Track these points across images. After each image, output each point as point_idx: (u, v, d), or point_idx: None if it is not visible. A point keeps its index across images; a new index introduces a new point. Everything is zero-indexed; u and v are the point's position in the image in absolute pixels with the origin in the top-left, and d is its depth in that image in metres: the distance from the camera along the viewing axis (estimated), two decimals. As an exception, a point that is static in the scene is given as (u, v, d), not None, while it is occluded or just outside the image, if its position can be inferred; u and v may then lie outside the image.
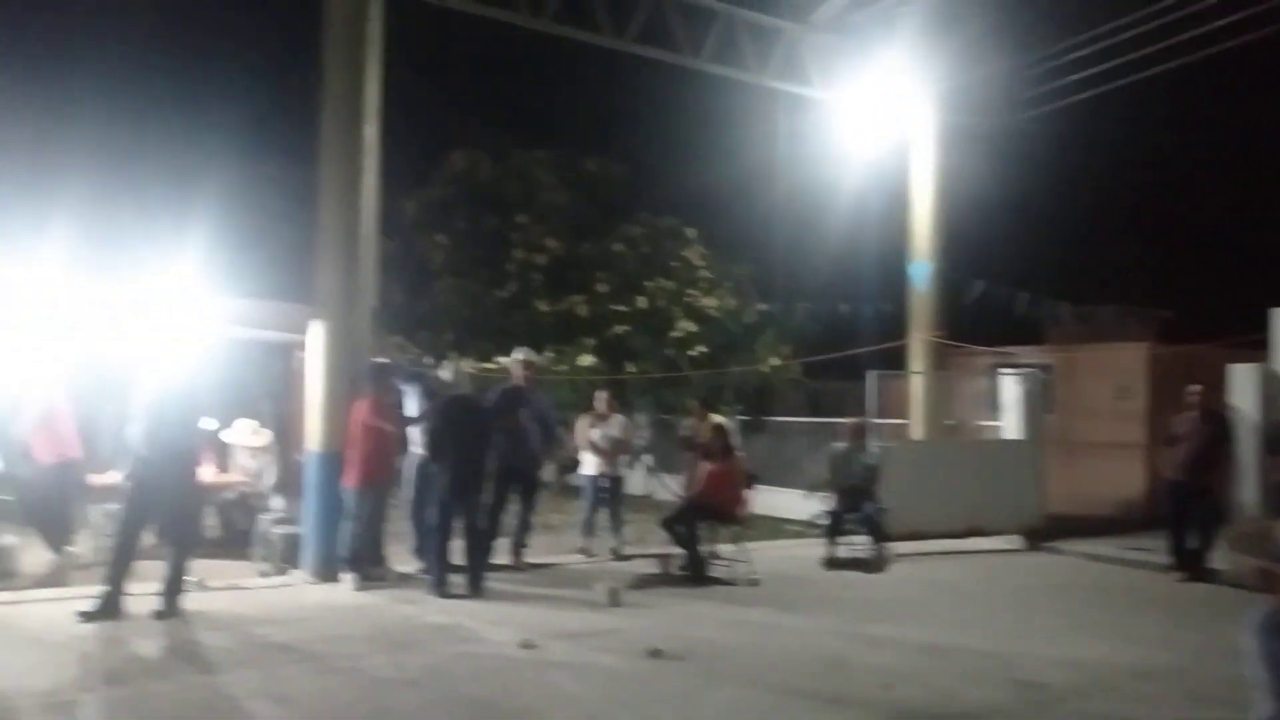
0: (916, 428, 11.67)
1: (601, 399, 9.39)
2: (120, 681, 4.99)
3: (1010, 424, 11.08)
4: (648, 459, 12.20)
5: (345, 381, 7.82)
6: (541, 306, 14.29)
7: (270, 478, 9.88)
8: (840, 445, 9.67)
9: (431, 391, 8.04)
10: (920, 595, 8.00)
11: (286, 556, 8.27)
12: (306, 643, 5.81)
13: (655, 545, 9.97)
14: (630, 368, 13.92)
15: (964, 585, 8.45)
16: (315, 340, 7.92)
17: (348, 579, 7.49)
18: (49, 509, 7.73)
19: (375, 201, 8.06)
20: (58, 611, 6.37)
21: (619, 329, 14.00)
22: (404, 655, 5.62)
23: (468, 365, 7.93)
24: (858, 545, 9.28)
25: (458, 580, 7.29)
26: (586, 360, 13.29)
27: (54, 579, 7.68)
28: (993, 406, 11.95)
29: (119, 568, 6.36)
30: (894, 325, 14.59)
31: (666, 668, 5.53)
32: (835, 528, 9.18)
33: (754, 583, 8.07)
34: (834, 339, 15.89)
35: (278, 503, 9.73)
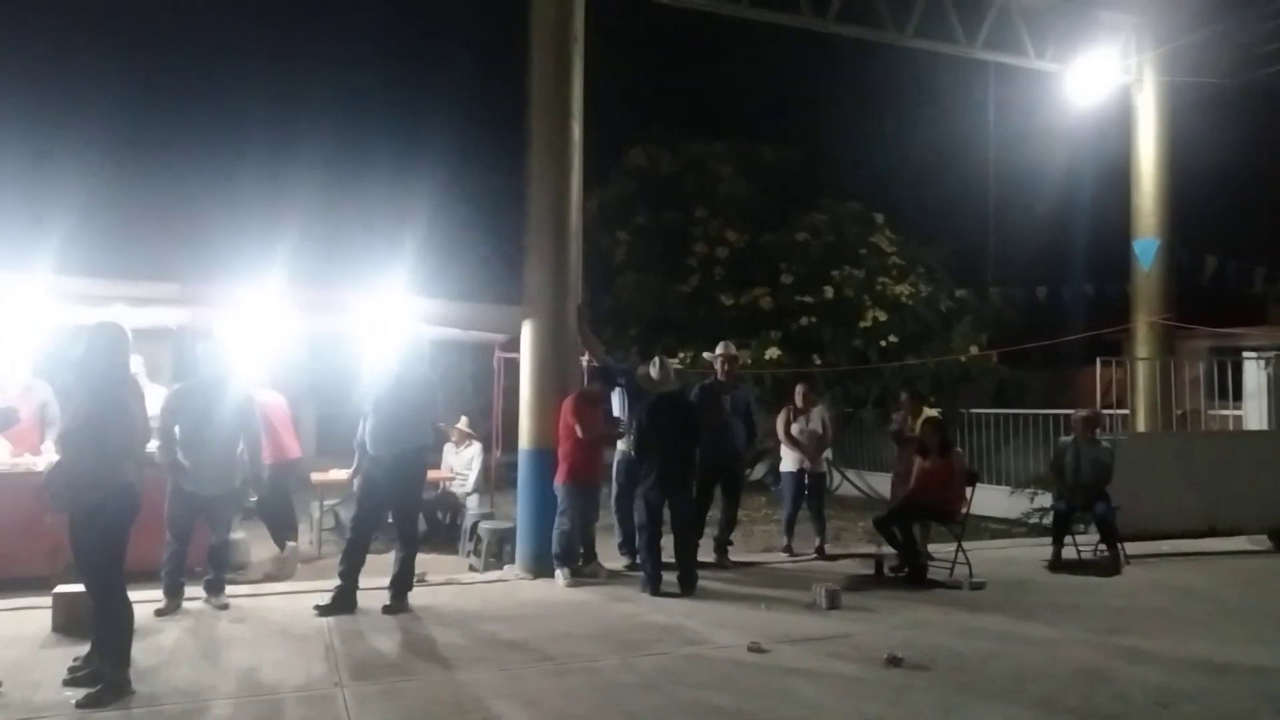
0: (1142, 418, 10.75)
1: (800, 392, 9.07)
2: (367, 677, 5.09)
3: (1253, 413, 10.04)
4: (827, 454, 11.79)
5: (555, 379, 7.85)
6: (725, 300, 14.06)
7: (473, 474, 10.16)
8: (1067, 439, 8.98)
9: (636, 389, 7.97)
10: (1167, 603, 7.28)
11: (494, 552, 8.43)
12: (535, 640, 5.80)
13: (853, 544, 9.61)
14: (817, 360, 13.50)
15: (1215, 591, 7.64)
16: (525, 339, 7.98)
17: (560, 575, 7.50)
18: (275, 505, 8.14)
19: (580, 199, 8.05)
20: (294, 605, 6.66)
21: (805, 320, 13.58)
22: (634, 657, 5.51)
23: (673, 362, 7.73)
24: (1084, 546, 8.63)
25: (669, 579, 7.19)
26: (773, 353, 12.96)
27: (280, 572, 8.10)
28: (1222, 393, 10.90)
29: (352, 564, 6.57)
30: (1103, 308, 13.57)
31: (911, 678, 5.19)
32: (1063, 527, 8.54)
33: (978, 586, 7.57)
34: (1032, 325, 14.98)
35: (475, 499, 10.01)
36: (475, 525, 9.11)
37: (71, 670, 4.97)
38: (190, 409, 6.44)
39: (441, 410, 6.71)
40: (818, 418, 8.95)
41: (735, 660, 5.50)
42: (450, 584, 7.45)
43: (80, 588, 5.83)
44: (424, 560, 7.75)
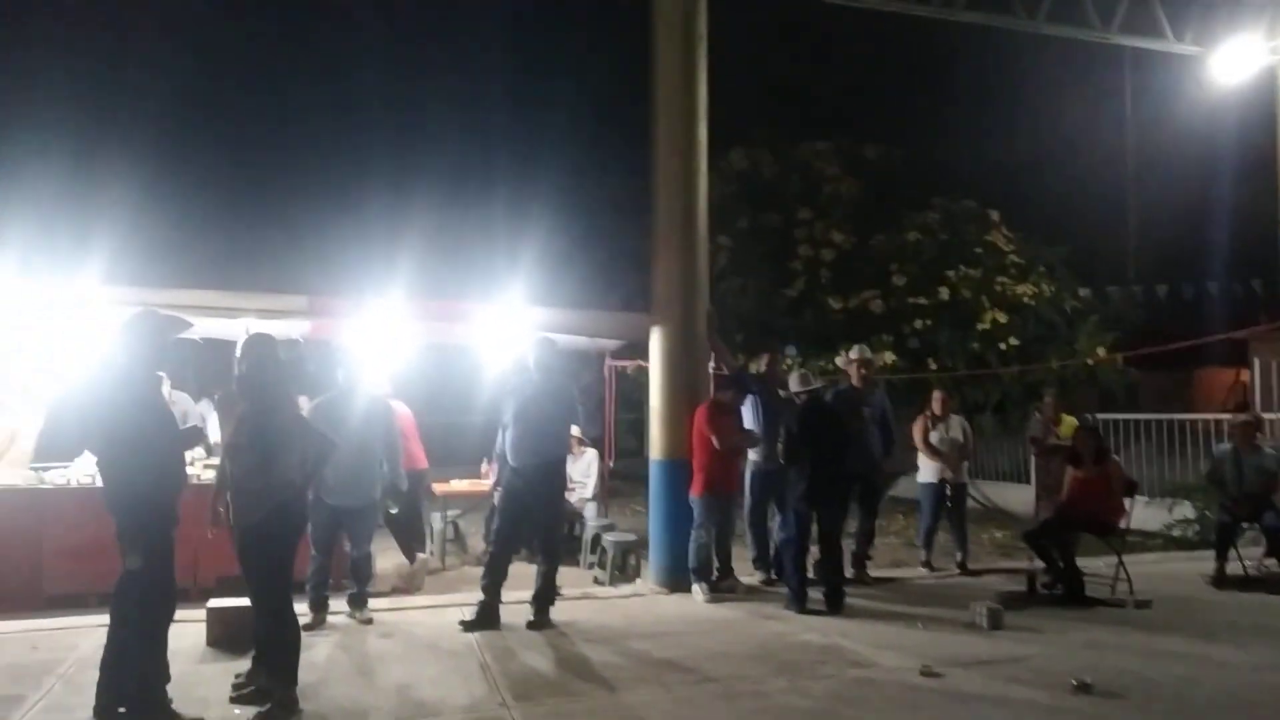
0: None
1: (937, 398, 8.68)
2: (531, 698, 4.92)
3: None
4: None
5: (686, 387, 7.63)
6: (832, 303, 13.69)
7: (591, 482, 10.00)
8: (1224, 447, 8.42)
9: (770, 398, 7.72)
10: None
11: (618, 564, 8.25)
12: (692, 660, 5.57)
13: (982, 557, 9.14)
14: (931, 364, 13.04)
15: None
16: (654, 346, 7.79)
17: (697, 590, 7.27)
18: (406, 517, 8.09)
19: (707, 203, 7.84)
20: (437, 619, 6.56)
21: (919, 323, 13.13)
22: (801, 679, 5.24)
23: (812, 369, 7.46)
24: (1249, 561, 8.07)
25: (813, 595, 6.91)
26: (886, 358, 12.54)
27: (410, 584, 8.05)
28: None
29: (495, 578, 6.44)
30: (1234, 306, 12.84)
31: (1106, 707, 4.83)
32: (1227, 541, 7.99)
33: (1144, 605, 7.10)
34: (1153, 325, 14.25)
35: (593, 508, 9.84)
36: (596, 537, 8.96)
37: (236, 687, 4.92)
38: (332, 421, 6.38)
39: (584, 420, 6.53)
40: (958, 425, 8.55)
41: (909, 684, 5.19)
42: (586, 598, 7.28)
43: (233, 601, 5.87)
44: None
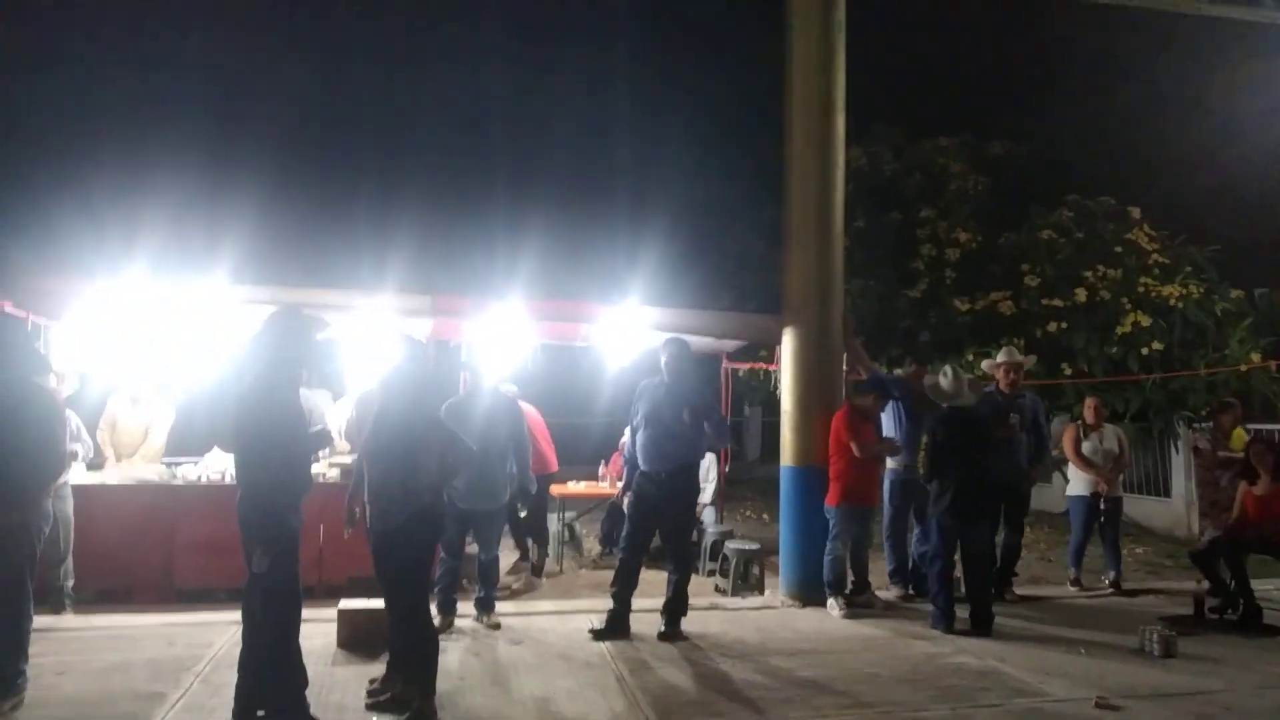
0: None
1: (1091, 406, 8.09)
2: (675, 715, 4.66)
3: None
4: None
5: (820, 391, 7.27)
6: (959, 305, 13.04)
7: (710, 486, 9.69)
8: None
9: (913, 403, 7.30)
10: None
11: (740, 574, 7.93)
12: (841, 682, 5.22)
13: (1128, 575, 8.47)
14: (1066, 369, 12.28)
15: None
16: (786, 348, 7.46)
17: (833, 605, 6.90)
18: (536, 520, 7.94)
19: (844, 199, 7.46)
20: (565, 626, 6.36)
21: (1053, 326, 12.38)
22: (964, 708, 4.83)
23: (965, 372, 6.99)
24: None
25: (959, 614, 6.46)
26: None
27: (527, 587, 7.90)
28: None
29: (625, 585, 6.20)
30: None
31: (1323, 755, 4.29)
32: None
33: (1335, 635, 6.44)
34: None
35: (711, 512, 9.53)
36: (717, 544, 8.67)
37: (371, 694, 4.79)
38: (461, 423, 6.24)
39: (723, 425, 6.23)
40: (1112, 435, 7.94)
41: (1084, 717, 4.73)
42: (714, 609, 6.98)
43: (364, 603, 5.78)
44: (660, 578, 7.37)
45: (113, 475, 7.59)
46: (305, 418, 4.51)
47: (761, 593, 7.77)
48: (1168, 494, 12.96)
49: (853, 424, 6.87)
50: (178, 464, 7.93)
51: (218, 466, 7.69)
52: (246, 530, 4.25)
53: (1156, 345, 11.92)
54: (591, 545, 10.12)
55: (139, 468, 7.78)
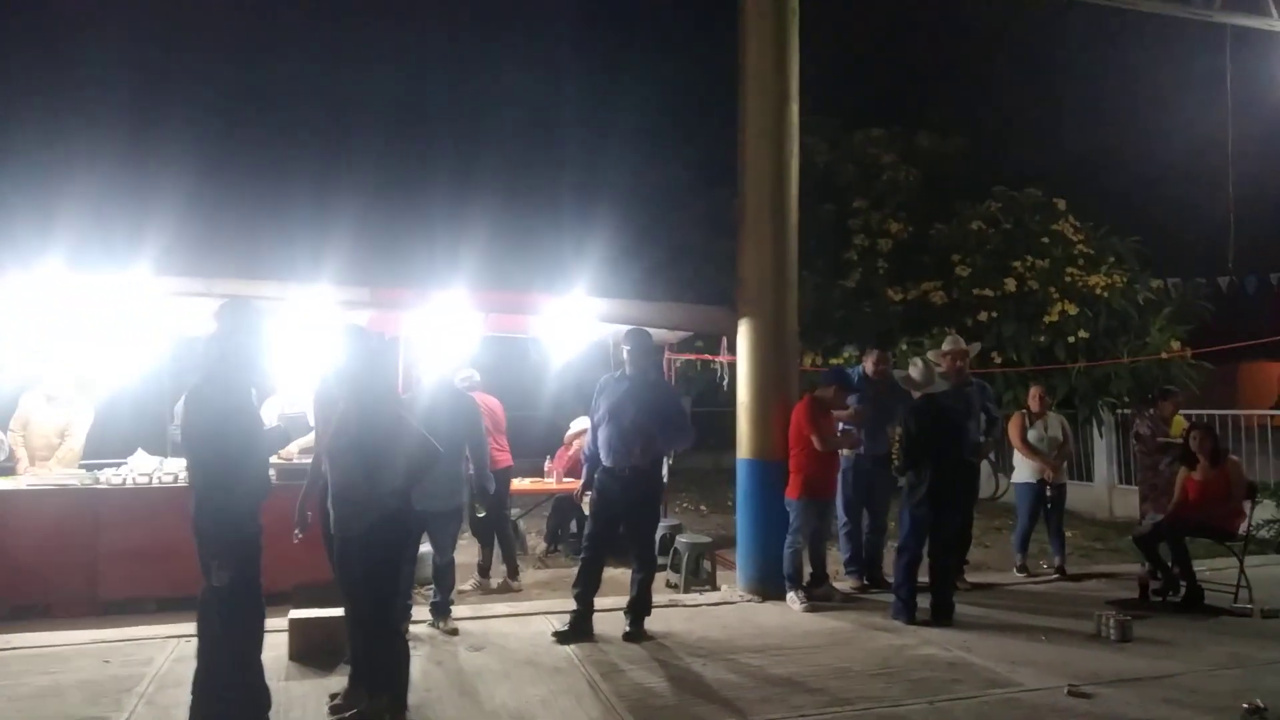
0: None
1: (1035, 394, 8.24)
2: (654, 720, 4.52)
3: None
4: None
5: (776, 383, 7.21)
6: (892, 295, 13.20)
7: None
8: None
9: (875, 394, 7.30)
10: None
11: (692, 569, 7.83)
12: (815, 678, 5.15)
13: (1075, 562, 8.69)
14: (996, 358, 12.55)
15: None
16: (742, 339, 7.37)
17: (793, 598, 6.86)
18: (492, 520, 7.68)
19: (797, 189, 7.40)
20: (524, 629, 6.16)
21: (983, 316, 12.63)
22: (941, 701, 4.81)
23: (933, 358, 7.00)
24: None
25: (920, 604, 6.48)
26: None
27: (483, 589, 7.66)
28: None
29: (587, 586, 6.03)
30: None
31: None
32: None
33: (1272, 614, 6.66)
34: (1225, 318, 13.74)
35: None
36: (666, 538, 8.54)
37: (334, 710, 4.53)
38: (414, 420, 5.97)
39: (686, 419, 6.09)
40: (1056, 423, 8.10)
41: (1060, 707, 4.76)
42: (674, 606, 6.86)
43: (317, 612, 5.48)
44: (618, 575, 7.23)
45: (26, 480, 7.07)
46: (259, 416, 4.21)
47: (715, 587, 7.68)
48: (1090, 478, 13.36)
49: (814, 416, 6.82)
50: (99, 466, 7.44)
51: (144, 468, 7.24)
52: (202, 540, 3.94)
53: (1083, 333, 12.27)
54: (536, 542, 9.90)
55: (55, 472, 7.27)
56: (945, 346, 7.70)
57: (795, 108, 7.33)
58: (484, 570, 7.81)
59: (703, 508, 13.19)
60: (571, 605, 6.11)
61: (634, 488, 5.97)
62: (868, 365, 7.49)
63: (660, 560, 8.43)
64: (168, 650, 5.53)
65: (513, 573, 7.89)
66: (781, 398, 7.16)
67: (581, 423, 9.50)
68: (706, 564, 7.89)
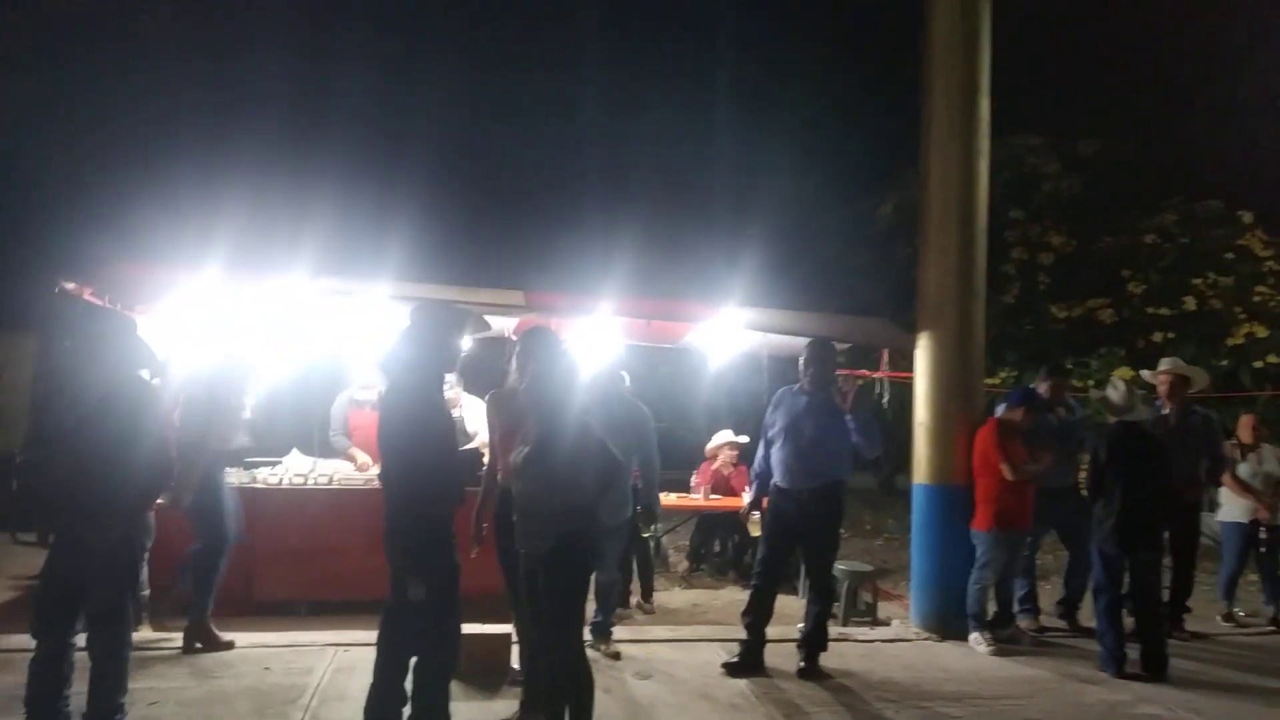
0: None
1: (1247, 424, 7.41)
2: (857, 775, 4.04)
3: None
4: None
5: (962, 401, 6.64)
6: (1055, 312, 12.34)
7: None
8: None
9: (1065, 419, 6.67)
10: None
11: (851, 598, 7.28)
12: (1028, 736, 4.59)
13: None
14: (1171, 383, 11.53)
15: None
16: (922, 353, 6.83)
17: (977, 639, 6.25)
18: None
19: (988, 190, 6.83)
20: (690, 657, 5.76)
21: (1158, 336, 11.66)
22: (1187, 774, 4.19)
23: (1134, 383, 6.29)
24: None
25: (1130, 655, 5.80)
26: (1124, 374, 11.12)
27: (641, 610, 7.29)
28: None
29: (759, 615, 5.60)
30: None
31: None
32: None
33: None
34: None
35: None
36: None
37: (506, 737, 4.23)
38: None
39: (875, 426, 5.58)
40: (1272, 456, 7.25)
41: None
42: (845, 640, 6.33)
43: (484, 628, 5.20)
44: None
45: (188, 479, 7.06)
46: (453, 421, 3.96)
47: (876, 620, 7.12)
48: None
49: (1002, 442, 6.22)
50: (255, 466, 7.41)
51: (300, 469, 7.17)
52: (396, 550, 3.69)
53: (1272, 358, 11.18)
54: (678, 560, 9.52)
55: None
56: (1162, 367, 6.97)
57: (986, 103, 6.76)
58: (623, 596, 7.45)
59: (842, 531, 12.53)
60: (736, 633, 5.72)
61: (812, 512, 5.51)
62: (1042, 389, 6.83)
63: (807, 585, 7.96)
64: (326, 659, 5.36)
65: (647, 594, 7.49)
66: (966, 417, 6.59)
67: (724, 436, 9.10)
68: (866, 595, 7.36)
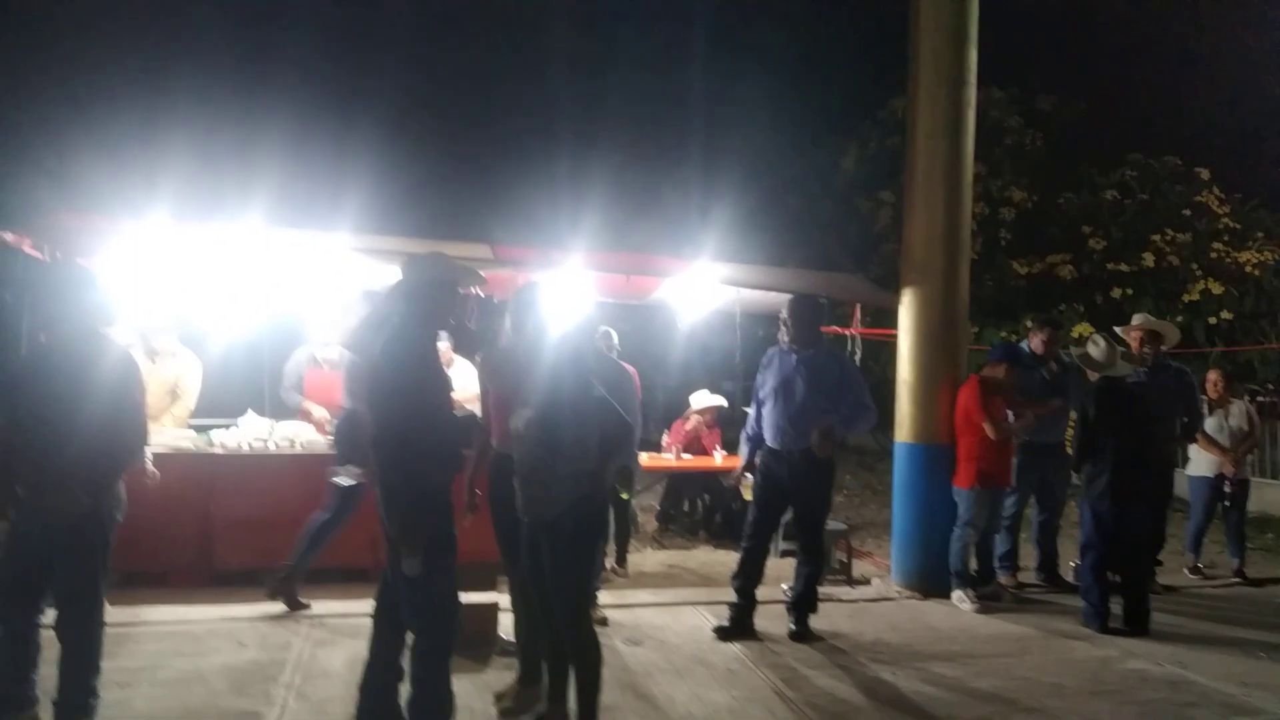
0: None
1: (1213, 380, 7.48)
2: (866, 742, 3.97)
3: None
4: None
5: (946, 359, 6.57)
6: (1017, 268, 12.38)
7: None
8: None
9: (1050, 376, 6.64)
10: None
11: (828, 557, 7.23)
12: (1027, 695, 4.56)
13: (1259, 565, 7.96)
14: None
15: None
16: (906, 308, 6.72)
17: (960, 596, 6.25)
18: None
19: (973, 141, 6.70)
20: (677, 621, 5.66)
21: (1117, 292, 11.78)
22: (1187, 731, 4.20)
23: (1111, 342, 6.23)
24: None
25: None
26: (1083, 330, 11.22)
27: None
28: None
29: (749, 577, 5.50)
30: None
31: None
32: None
33: None
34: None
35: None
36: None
37: (507, 713, 4.07)
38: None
39: (866, 396, 5.44)
40: (1240, 411, 7.33)
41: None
42: (829, 601, 6.24)
43: (471, 597, 4.99)
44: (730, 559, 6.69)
45: (141, 442, 6.67)
46: (449, 383, 3.71)
47: (852, 578, 7.08)
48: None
49: (985, 400, 6.16)
50: (208, 428, 7.03)
51: (259, 432, 6.82)
52: (391, 522, 3.45)
53: (1225, 314, 11.37)
54: (646, 520, 9.39)
55: (169, 432, 6.87)
56: (1134, 323, 6.97)
57: (974, 52, 6.61)
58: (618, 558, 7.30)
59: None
60: (719, 595, 5.62)
61: (803, 472, 5.38)
62: (1035, 342, 6.79)
63: (784, 546, 7.90)
64: (302, 632, 5.12)
65: (621, 558, 7.32)
66: (951, 375, 6.52)
67: (703, 398, 8.94)
68: (840, 553, 7.31)
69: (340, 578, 6.00)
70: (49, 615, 3.63)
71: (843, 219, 13.58)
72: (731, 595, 5.53)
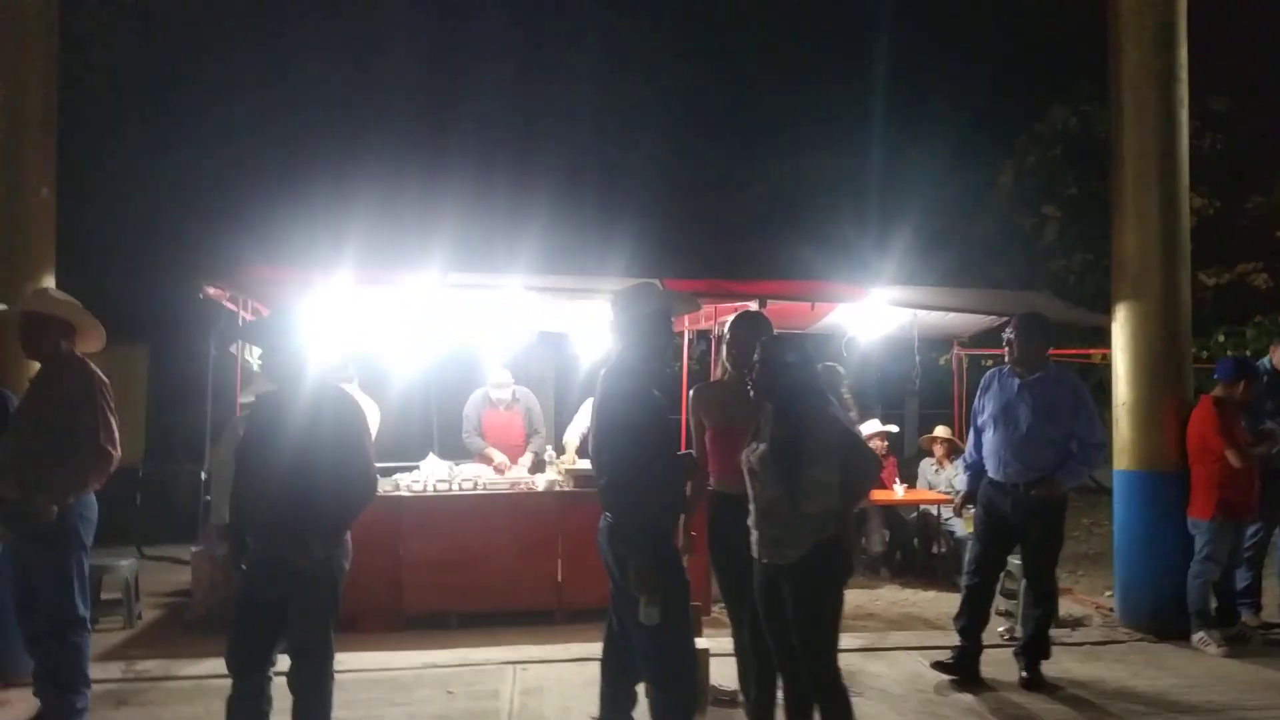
0: None
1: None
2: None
3: None
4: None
5: (1171, 379, 6.02)
6: (1204, 279, 11.48)
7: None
8: None
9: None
10: None
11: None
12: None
13: None
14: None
15: None
16: (1121, 323, 6.22)
17: (1203, 638, 5.63)
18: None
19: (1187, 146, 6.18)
20: (895, 670, 5.24)
21: (1321, 302, 10.78)
22: None
23: None
24: None
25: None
26: (1282, 344, 10.22)
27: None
28: None
29: (973, 618, 5.09)
30: None
31: None
32: None
33: None
34: None
35: (960, 524, 8.29)
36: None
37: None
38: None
39: (1097, 431, 4.97)
40: None
41: None
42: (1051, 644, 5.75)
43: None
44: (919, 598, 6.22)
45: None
46: (672, 423, 3.52)
47: (1058, 617, 6.50)
48: None
49: (1225, 424, 5.59)
50: (391, 471, 7.08)
51: (441, 475, 6.82)
52: (621, 571, 3.27)
53: None
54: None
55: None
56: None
57: (1184, 52, 6.10)
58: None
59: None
60: (929, 639, 5.27)
61: (1029, 508, 4.95)
62: (1278, 357, 6.16)
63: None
64: (508, 679, 4.99)
65: None
66: (1175, 395, 5.97)
67: (872, 425, 8.53)
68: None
69: (525, 620, 5.93)
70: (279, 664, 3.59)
71: (1004, 238, 12.95)
72: (944, 639, 5.14)
